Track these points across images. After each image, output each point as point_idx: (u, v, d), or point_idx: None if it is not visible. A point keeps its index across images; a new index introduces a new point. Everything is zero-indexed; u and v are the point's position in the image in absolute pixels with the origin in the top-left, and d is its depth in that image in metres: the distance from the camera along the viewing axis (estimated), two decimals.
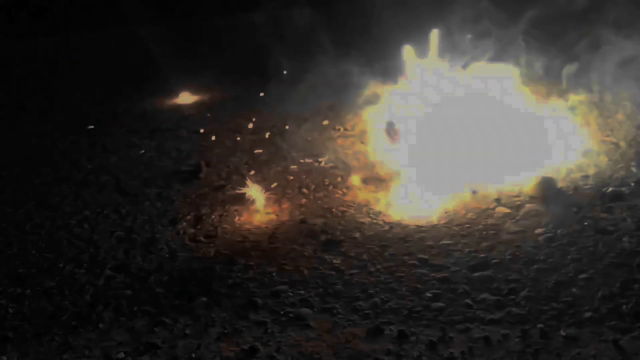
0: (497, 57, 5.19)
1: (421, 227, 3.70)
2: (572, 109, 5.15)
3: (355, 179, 4.46)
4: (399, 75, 5.43)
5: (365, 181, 4.42)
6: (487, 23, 5.42)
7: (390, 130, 4.86)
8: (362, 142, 5.14)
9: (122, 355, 2.84)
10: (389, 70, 5.56)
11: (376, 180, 4.40)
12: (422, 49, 5.23)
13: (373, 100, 5.61)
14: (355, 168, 4.67)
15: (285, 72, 6.87)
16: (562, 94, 5.34)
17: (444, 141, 4.62)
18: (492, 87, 5.06)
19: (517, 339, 2.66)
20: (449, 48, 5.25)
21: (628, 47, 4.95)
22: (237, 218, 4.05)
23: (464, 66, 5.22)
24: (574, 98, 5.25)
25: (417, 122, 4.84)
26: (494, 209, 3.82)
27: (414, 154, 4.61)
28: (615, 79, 5.00)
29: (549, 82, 5.50)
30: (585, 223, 3.52)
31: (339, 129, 5.52)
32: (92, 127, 5.84)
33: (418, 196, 4.08)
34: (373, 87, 5.67)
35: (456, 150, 4.52)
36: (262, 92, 6.69)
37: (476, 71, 5.24)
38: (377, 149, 4.96)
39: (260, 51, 7.20)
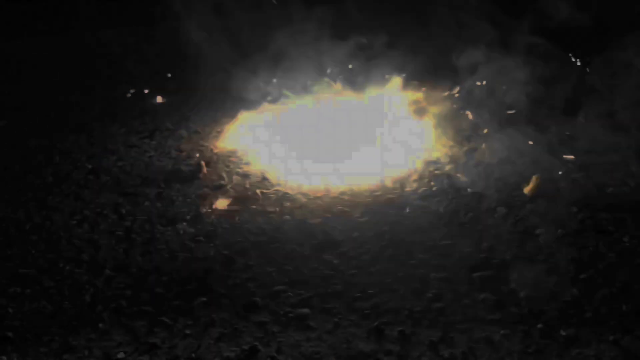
0: None
1: (421, 227, 3.70)
2: None
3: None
4: None
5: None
6: None
7: None
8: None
9: (122, 355, 2.84)
10: None
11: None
12: None
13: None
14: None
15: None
16: None
17: None
18: None
19: (517, 339, 2.66)
20: None
21: None
22: (237, 218, 4.05)
23: None
24: None
25: None
26: (494, 209, 3.82)
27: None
28: None
29: None
30: (585, 223, 3.52)
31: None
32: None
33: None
34: None
35: None
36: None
37: None
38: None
39: None
